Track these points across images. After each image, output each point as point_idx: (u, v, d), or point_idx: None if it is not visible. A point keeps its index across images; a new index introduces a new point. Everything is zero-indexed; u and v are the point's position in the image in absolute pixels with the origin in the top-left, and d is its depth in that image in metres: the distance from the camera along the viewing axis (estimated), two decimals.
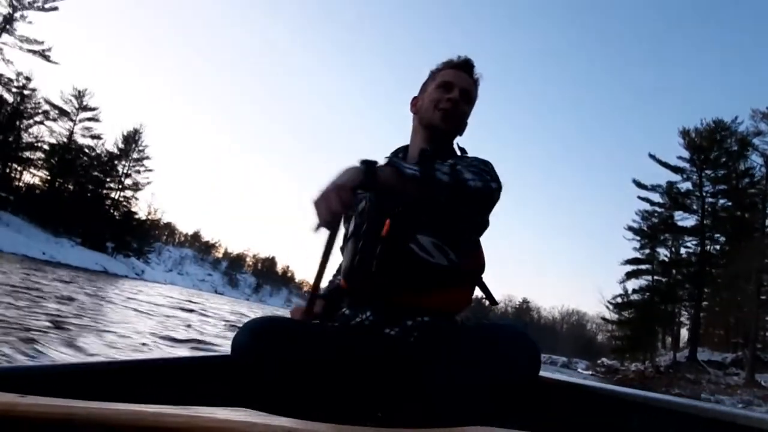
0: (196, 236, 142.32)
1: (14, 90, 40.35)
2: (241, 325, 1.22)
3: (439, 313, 1.36)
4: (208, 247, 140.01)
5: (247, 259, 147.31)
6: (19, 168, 43.39)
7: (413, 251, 1.31)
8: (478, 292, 1.52)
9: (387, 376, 1.29)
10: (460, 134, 1.54)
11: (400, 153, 1.56)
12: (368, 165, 1.14)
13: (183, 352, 4.64)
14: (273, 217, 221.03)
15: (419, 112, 1.52)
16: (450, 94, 1.45)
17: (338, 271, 1.65)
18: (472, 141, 1.55)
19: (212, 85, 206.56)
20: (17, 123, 41.23)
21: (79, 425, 0.53)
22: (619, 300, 41.29)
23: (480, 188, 1.24)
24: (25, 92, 41.12)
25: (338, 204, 1.06)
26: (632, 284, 40.67)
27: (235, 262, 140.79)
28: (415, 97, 1.58)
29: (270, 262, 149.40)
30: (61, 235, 42.25)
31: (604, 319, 46.27)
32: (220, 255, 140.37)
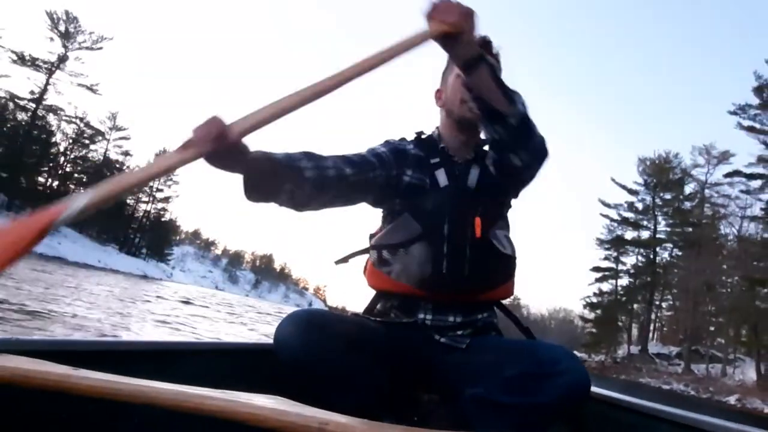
0: (196, 234, 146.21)
1: (71, 121, 46.80)
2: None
3: (498, 303, 1.41)
4: (207, 245, 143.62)
5: (246, 256, 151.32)
6: (71, 185, 49.58)
7: (495, 247, 1.31)
8: None
9: (430, 381, 1.29)
10: None
11: (438, 143, 1.47)
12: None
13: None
14: (270, 214, 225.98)
15: (446, 104, 1.47)
16: None
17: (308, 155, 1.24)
18: None
19: (211, 78, 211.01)
20: (71, 148, 47.70)
21: (125, 400, 0.58)
22: (588, 301, 48.26)
23: (543, 139, 1.23)
24: (81, 125, 47.51)
25: (455, 15, 1.07)
26: (601, 287, 47.73)
27: (234, 259, 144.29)
28: (438, 90, 1.52)
29: (268, 259, 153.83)
30: (104, 244, 48.50)
31: (580, 317, 53.32)
32: (219, 252, 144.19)
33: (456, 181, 1.39)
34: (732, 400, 24.92)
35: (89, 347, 0.96)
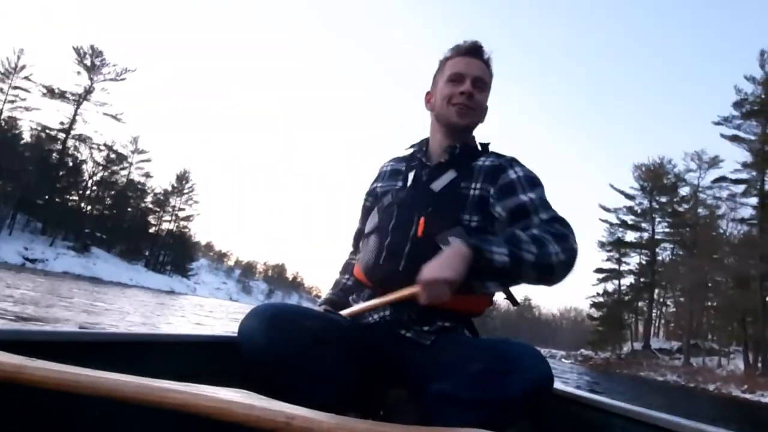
0: (208, 246, 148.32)
1: (99, 148, 50.04)
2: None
3: (460, 315, 1.35)
4: (220, 256, 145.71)
5: (258, 266, 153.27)
6: (100, 208, 52.55)
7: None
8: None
9: (397, 376, 1.28)
10: (481, 121, 1.48)
11: (424, 146, 1.51)
12: (476, 253, 1.12)
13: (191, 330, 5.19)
14: (281, 223, 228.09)
15: (434, 108, 1.47)
16: (462, 87, 1.39)
17: (343, 269, 1.64)
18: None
19: (222, 93, 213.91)
20: (99, 174, 50.98)
21: (85, 393, 0.55)
22: (594, 301, 50.60)
23: (563, 261, 1.18)
24: (108, 151, 50.66)
25: (448, 295, 1.08)
26: (605, 287, 50.08)
27: (247, 269, 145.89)
28: (428, 92, 1.52)
29: (280, 269, 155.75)
30: (132, 262, 51.42)
31: (588, 316, 55.56)
32: (232, 263, 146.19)
33: (419, 182, 1.42)
34: (711, 387, 27.47)
35: (47, 337, 0.91)
